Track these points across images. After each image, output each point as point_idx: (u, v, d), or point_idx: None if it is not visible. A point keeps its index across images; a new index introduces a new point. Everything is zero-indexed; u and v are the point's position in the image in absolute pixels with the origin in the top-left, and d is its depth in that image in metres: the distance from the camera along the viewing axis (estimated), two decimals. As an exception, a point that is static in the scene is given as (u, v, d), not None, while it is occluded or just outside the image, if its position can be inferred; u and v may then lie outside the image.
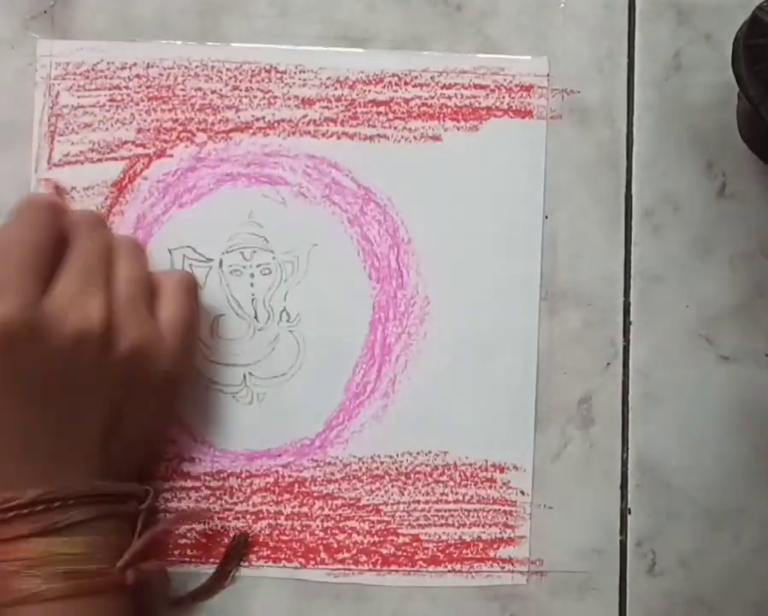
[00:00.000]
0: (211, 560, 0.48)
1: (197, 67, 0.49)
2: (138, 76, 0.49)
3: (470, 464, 0.48)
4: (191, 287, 0.46)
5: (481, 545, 0.48)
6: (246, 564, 0.48)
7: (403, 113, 0.49)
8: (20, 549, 0.41)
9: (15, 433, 0.41)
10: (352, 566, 0.48)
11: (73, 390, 0.42)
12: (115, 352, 0.42)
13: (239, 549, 0.47)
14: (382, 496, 0.48)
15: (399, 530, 0.48)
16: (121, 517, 0.43)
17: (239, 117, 0.49)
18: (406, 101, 0.49)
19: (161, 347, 0.43)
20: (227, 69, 0.49)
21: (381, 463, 0.48)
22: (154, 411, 0.45)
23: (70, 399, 0.41)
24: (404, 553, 0.48)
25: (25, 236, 0.41)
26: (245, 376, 0.48)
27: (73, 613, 0.41)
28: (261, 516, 0.48)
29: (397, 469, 0.48)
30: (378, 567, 0.48)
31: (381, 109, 0.49)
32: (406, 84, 0.49)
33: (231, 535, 0.48)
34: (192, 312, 0.46)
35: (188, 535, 0.48)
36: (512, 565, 0.48)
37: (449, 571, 0.48)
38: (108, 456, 0.43)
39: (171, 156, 0.49)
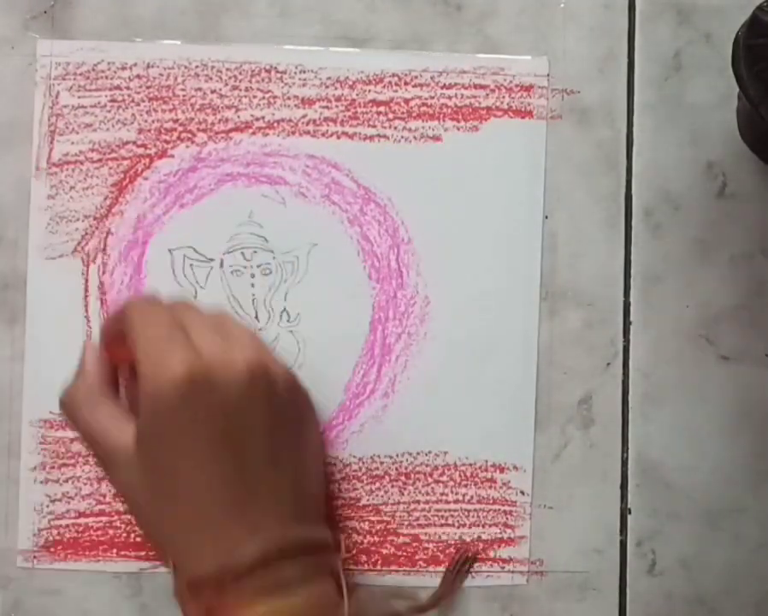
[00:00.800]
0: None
1: (197, 67, 0.49)
2: (138, 76, 0.49)
3: (470, 465, 0.48)
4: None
5: (481, 545, 0.48)
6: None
7: (403, 113, 0.49)
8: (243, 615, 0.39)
9: (217, 489, 0.40)
10: (352, 566, 0.48)
11: (254, 433, 0.41)
12: (275, 390, 0.42)
13: (466, 566, 0.47)
14: (382, 496, 0.48)
15: (399, 530, 0.48)
16: (322, 570, 0.41)
17: (238, 117, 0.49)
18: (406, 101, 0.49)
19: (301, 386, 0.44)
20: (227, 69, 0.49)
21: (381, 463, 0.48)
22: (315, 449, 0.45)
23: (254, 443, 0.41)
24: (404, 553, 0.48)
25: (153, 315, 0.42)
26: (245, 376, 0.48)
27: None
28: (261, 516, 0.48)
29: (397, 469, 0.48)
30: (378, 567, 0.48)
31: (381, 109, 0.49)
32: (406, 84, 0.49)
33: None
34: None
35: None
36: (512, 565, 0.48)
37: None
38: (297, 503, 0.42)
39: (172, 156, 0.49)
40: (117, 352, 0.44)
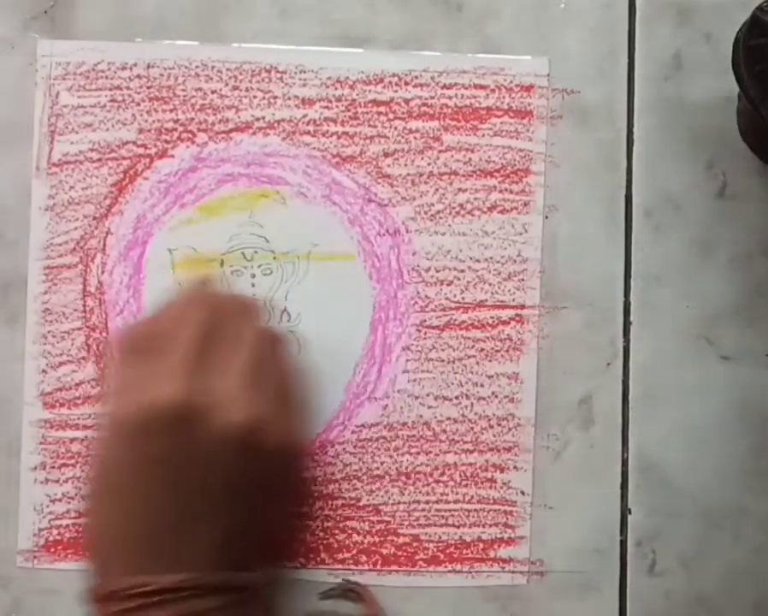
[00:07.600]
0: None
1: (197, 67, 0.49)
2: (138, 76, 0.49)
3: (470, 464, 0.48)
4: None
5: (481, 545, 0.48)
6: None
7: (403, 113, 0.49)
8: None
9: (153, 517, 0.39)
10: (352, 566, 0.48)
11: (216, 484, 0.40)
12: (262, 451, 0.40)
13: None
14: (382, 496, 0.48)
15: (399, 530, 0.48)
16: (244, 604, 0.41)
17: (239, 117, 0.49)
18: (406, 101, 0.49)
19: (302, 446, 0.43)
20: (228, 69, 0.49)
21: (381, 463, 0.48)
22: (287, 508, 0.45)
23: (211, 492, 0.40)
24: (404, 553, 0.48)
25: (188, 329, 0.41)
26: (245, 376, 0.48)
27: None
28: (261, 516, 0.48)
29: (397, 469, 0.48)
30: (378, 567, 0.48)
31: (382, 109, 0.49)
32: (406, 84, 0.49)
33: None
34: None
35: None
36: (513, 565, 0.48)
37: (449, 572, 0.48)
38: (236, 548, 0.41)
39: (172, 156, 0.49)
40: None
